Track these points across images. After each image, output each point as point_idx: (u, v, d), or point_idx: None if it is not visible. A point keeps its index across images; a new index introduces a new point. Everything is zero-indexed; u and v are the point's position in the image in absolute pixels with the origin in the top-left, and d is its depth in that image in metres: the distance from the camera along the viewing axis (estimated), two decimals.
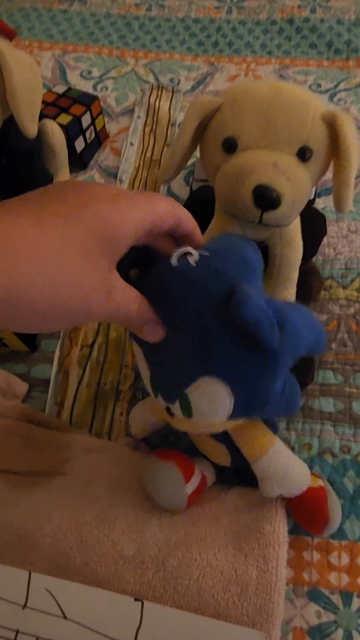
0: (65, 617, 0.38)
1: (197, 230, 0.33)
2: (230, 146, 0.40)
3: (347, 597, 0.41)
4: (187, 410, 0.34)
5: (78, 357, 0.55)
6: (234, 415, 0.33)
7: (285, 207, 0.38)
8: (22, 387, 0.54)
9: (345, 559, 0.43)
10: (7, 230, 0.23)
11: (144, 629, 0.37)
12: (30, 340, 0.56)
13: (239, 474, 0.46)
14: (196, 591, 0.38)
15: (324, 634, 0.40)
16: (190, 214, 0.32)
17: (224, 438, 0.40)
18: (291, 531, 0.44)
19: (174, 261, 0.31)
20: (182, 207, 0.31)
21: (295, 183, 0.38)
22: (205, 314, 0.29)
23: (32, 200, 0.26)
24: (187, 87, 0.81)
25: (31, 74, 0.53)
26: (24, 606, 0.39)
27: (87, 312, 0.26)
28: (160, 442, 0.49)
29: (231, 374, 0.31)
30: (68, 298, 0.25)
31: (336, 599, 0.41)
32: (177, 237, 0.33)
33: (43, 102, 0.68)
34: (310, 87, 0.80)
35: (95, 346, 0.55)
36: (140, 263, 0.33)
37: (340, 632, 0.40)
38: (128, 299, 0.29)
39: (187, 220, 0.32)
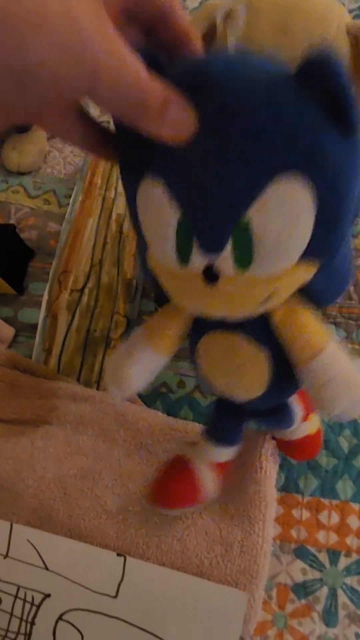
0: (47, 569, 0.37)
1: (195, 33, 0.23)
2: None
3: (334, 555, 0.41)
4: (245, 252, 0.24)
5: (67, 301, 0.52)
6: (310, 249, 0.24)
7: None
8: (8, 331, 0.51)
9: (335, 518, 0.42)
10: None
11: (126, 583, 0.37)
12: (17, 283, 0.53)
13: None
14: (179, 549, 0.38)
15: (309, 590, 0.40)
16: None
17: (267, 338, 0.29)
18: (282, 488, 0.43)
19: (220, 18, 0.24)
20: None
21: None
22: (273, 94, 0.21)
23: None
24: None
25: None
26: (6, 556, 0.38)
27: (74, 37, 0.17)
28: (150, 395, 0.47)
29: (314, 162, 0.22)
30: (46, 14, 0.16)
31: (323, 557, 0.41)
32: (169, 37, 0.23)
33: None
34: None
35: (86, 290, 0.52)
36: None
37: (325, 590, 0.40)
38: (134, 56, 0.19)
39: (183, 14, 0.22)
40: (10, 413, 0.45)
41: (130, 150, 0.24)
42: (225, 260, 0.24)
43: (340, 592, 0.40)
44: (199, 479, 0.36)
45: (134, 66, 0.19)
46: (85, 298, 0.52)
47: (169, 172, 0.24)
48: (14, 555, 0.38)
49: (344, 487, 0.43)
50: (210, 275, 0.25)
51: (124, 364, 0.32)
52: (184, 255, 0.25)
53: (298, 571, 0.40)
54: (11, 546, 0.38)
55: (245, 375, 0.30)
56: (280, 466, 0.43)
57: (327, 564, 0.40)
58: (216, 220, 0.24)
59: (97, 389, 0.48)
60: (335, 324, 0.49)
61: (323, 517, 0.42)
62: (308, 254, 0.24)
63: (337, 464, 0.43)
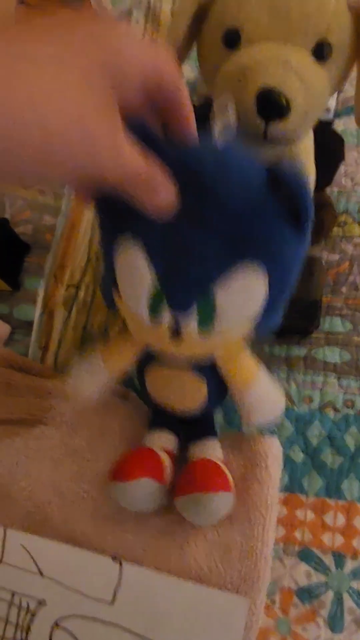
0: (41, 574, 0.36)
1: (193, 115, 0.26)
2: (232, 39, 0.32)
3: (340, 558, 0.39)
4: (208, 317, 0.29)
5: (63, 297, 0.51)
6: (260, 317, 0.30)
7: (296, 115, 0.31)
8: (4, 329, 0.50)
9: (341, 520, 0.40)
10: None
11: (122, 589, 0.36)
12: (13, 279, 0.51)
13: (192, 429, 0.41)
14: (178, 554, 0.36)
15: (313, 594, 0.38)
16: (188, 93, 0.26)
17: (208, 372, 0.36)
18: (285, 488, 0.41)
19: (218, 134, 0.27)
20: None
21: (309, 86, 0.31)
22: (252, 196, 0.26)
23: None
24: None
25: None
26: (0, 561, 0.37)
27: (89, 149, 0.20)
28: None
29: (271, 257, 0.28)
30: (64, 127, 0.19)
31: (328, 560, 0.39)
32: (167, 123, 0.26)
33: (30, 5, 0.59)
34: None
35: (82, 286, 0.51)
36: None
37: (330, 594, 0.38)
38: (135, 151, 0.22)
39: (187, 97, 0.25)
40: (5, 413, 0.44)
41: (116, 206, 0.27)
42: (190, 320, 0.29)
43: (346, 596, 0.38)
44: (159, 457, 0.37)
45: (135, 162, 0.23)
46: (81, 293, 0.51)
47: (149, 239, 0.28)
48: (8, 561, 0.37)
49: (350, 486, 0.41)
50: (175, 330, 0.30)
51: (82, 377, 0.38)
52: (154, 310, 0.30)
53: (302, 574, 0.39)
54: (5, 551, 0.37)
55: (186, 397, 0.37)
56: (284, 465, 0.41)
57: (332, 567, 0.39)
58: (187, 289, 0.29)
59: None
60: (341, 315, 0.47)
61: (328, 518, 0.40)
62: (260, 320, 0.31)
63: (342, 462, 0.42)
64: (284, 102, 0.30)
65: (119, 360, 0.37)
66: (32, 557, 0.37)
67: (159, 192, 0.24)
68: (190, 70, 0.62)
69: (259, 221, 0.26)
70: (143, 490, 0.35)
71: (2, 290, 0.52)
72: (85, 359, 0.38)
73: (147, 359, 0.36)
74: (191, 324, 0.30)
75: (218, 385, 0.36)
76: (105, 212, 0.30)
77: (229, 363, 0.35)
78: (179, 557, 0.36)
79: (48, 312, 0.50)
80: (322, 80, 0.32)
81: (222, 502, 0.34)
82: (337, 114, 0.58)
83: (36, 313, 0.50)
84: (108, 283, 0.33)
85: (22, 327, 0.50)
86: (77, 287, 0.51)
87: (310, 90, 0.31)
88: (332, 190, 0.53)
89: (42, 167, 0.20)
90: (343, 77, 0.34)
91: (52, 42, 0.19)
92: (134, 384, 0.46)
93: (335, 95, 0.56)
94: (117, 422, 0.42)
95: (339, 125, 0.57)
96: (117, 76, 0.21)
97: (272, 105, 0.30)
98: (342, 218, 0.52)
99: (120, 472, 0.35)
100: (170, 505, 0.38)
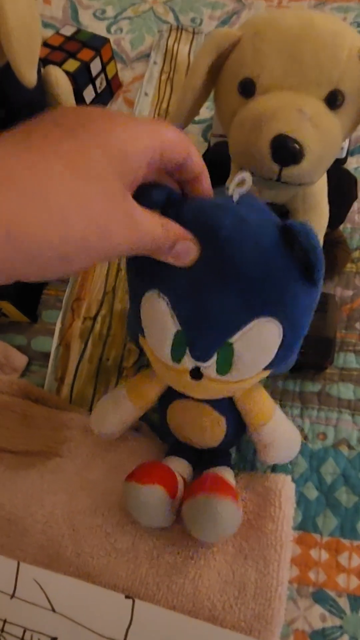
0: (53, 610, 0.36)
1: (207, 171, 0.29)
2: (248, 88, 0.34)
3: (355, 601, 0.38)
4: (226, 365, 0.31)
5: (80, 329, 0.51)
6: (271, 363, 0.32)
7: (309, 161, 0.32)
8: (21, 360, 0.51)
9: (356, 561, 0.40)
10: None
11: (134, 627, 0.35)
12: (31, 310, 0.53)
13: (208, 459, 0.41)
14: (191, 591, 0.36)
15: (328, 638, 0.38)
16: (200, 154, 0.28)
17: (226, 408, 0.37)
18: (299, 527, 0.41)
19: (233, 191, 0.28)
20: (191, 142, 0.27)
21: (322, 133, 0.32)
22: (266, 253, 0.28)
23: (21, 129, 0.22)
24: (210, 28, 0.73)
25: (28, 12, 0.47)
26: (12, 596, 0.37)
27: (107, 244, 0.23)
28: None
29: (288, 311, 0.30)
30: (82, 230, 0.22)
31: (343, 602, 0.39)
32: (181, 182, 0.29)
33: (49, 46, 0.62)
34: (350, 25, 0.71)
35: (99, 318, 0.52)
36: (163, 204, 0.29)
37: (345, 639, 0.37)
38: (151, 222, 0.25)
39: (199, 159, 0.27)
40: (21, 444, 0.45)
41: (144, 265, 0.30)
42: (210, 367, 0.32)
43: None
44: (175, 475, 0.38)
45: (150, 232, 0.25)
46: (98, 326, 0.51)
47: (173, 295, 0.31)
48: (20, 596, 0.37)
49: None
50: (196, 374, 0.32)
51: (106, 412, 0.40)
52: (176, 357, 0.32)
53: (317, 617, 0.38)
54: (18, 586, 0.37)
55: (205, 432, 0.38)
56: (297, 503, 0.41)
57: (347, 610, 0.38)
58: (207, 340, 0.31)
59: None
60: (356, 352, 0.47)
61: (343, 558, 0.40)
62: (269, 366, 0.33)
63: (357, 501, 0.41)
64: (298, 148, 0.31)
65: (144, 396, 0.39)
66: (44, 593, 0.37)
67: (178, 248, 0.28)
68: (207, 110, 0.64)
69: (273, 279, 0.29)
70: (154, 496, 0.35)
71: (20, 322, 0.53)
72: (111, 394, 0.41)
73: (170, 395, 0.38)
74: (210, 371, 0.32)
75: (237, 421, 0.38)
76: (134, 270, 0.33)
77: (246, 401, 0.37)
78: (193, 594, 0.36)
79: (65, 344, 0.51)
80: (335, 127, 0.33)
81: (227, 510, 0.34)
82: (350, 152, 0.59)
83: (53, 345, 0.51)
84: (134, 326, 0.35)
85: (39, 358, 0.51)
86: (94, 320, 0.52)
87: (323, 136, 0.32)
88: (345, 227, 0.54)
89: (65, 267, 0.23)
90: (355, 123, 0.35)
91: (65, 155, 0.21)
92: (147, 416, 0.46)
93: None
94: (130, 456, 0.43)
95: (352, 163, 0.59)
96: (126, 171, 0.23)
97: (286, 151, 0.31)
98: (356, 254, 0.53)
99: (137, 475, 0.36)
100: (183, 541, 0.38)
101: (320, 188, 0.41)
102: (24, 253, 0.21)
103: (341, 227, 0.53)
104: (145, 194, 0.26)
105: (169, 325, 0.31)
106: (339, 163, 0.58)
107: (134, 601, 0.36)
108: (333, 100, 0.33)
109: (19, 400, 0.47)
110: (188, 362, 0.32)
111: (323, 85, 0.32)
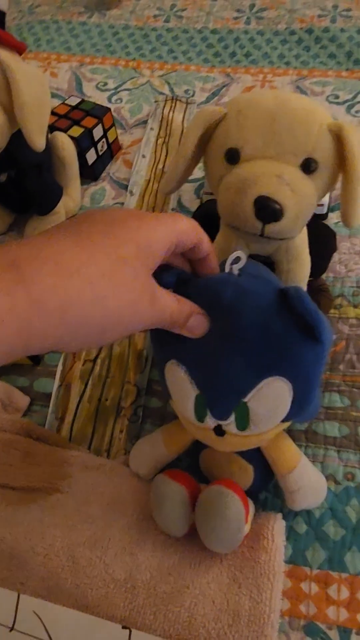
0: None
1: (214, 252, 0.34)
2: (233, 157, 0.39)
3: (345, 633, 0.40)
4: (244, 422, 0.34)
5: (80, 371, 0.54)
6: (288, 415, 0.35)
7: (288, 219, 0.37)
8: (23, 400, 0.53)
9: (345, 593, 0.41)
10: (56, 253, 0.25)
11: None
12: (34, 354, 0.55)
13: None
14: (187, 619, 0.37)
15: None
16: (209, 237, 0.33)
17: (253, 456, 0.40)
18: (289, 560, 0.43)
19: (229, 268, 0.33)
20: (202, 229, 0.32)
21: (299, 195, 0.37)
22: (265, 317, 0.32)
23: (68, 226, 0.28)
24: (202, 99, 0.80)
25: (40, 87, 0.53)
26: (12, 628, 0.38)
27: (136, 317, 0.28)
28: None
29: (293, 369, 0.33)
30: (117, 306, 0.27)
31: (334, 634, 0.40)
32: (192, 260, 0.35)
33: (56, 114, 0.69)
34: (327, 98, 0.78)
35: (98, 361, 0.55)
36: (175, 284, 0.34)
37: None
38: (168, 300, 0.31)
39: (208, 242, 0.33)
40: (23, 481, 0.47)
41: (164, 339, 0.35)
42: (230, 424, 0.35)
43: None
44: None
45: (168, 309, 0.30)
46: (97, 368, 0.54)
47: (191, 363, 0.35)
48: (20, 628, 0.38)
49: (353, 559, 0.42)
50: (219, 431, 0.36)
51: (143, 455, 0.45)
52: (199, 417, 0.36)
53: None
54: (17, 618, 0.38)
55: (234, 479, 0.40)
56: (287, 537, 0.43)
57: None
58: (224, 401, 0.34)
59: (107, 456, 0.49)
60: (339, 392, 0.51)
61: (332, 591, 0.41)
62: (287, 418, 0.35)
63: (344, 534, 0.43)
64: (278, 208, 0.36)
65: (177, 443, 0.43)
66: (43, 624, 0.38)
67: (191, 322, 0.32)
68: (199, 170, 0.70)
69: (274, 342, 0.32)
70: (179, 494, 0.39)
71: (24, 364, 0.56)
72: (148, 439, 0.45)
73: (203, 445, 0.41)
74: (231, 427, 0.35)
75: (265, 469, 0.41)
76: (156, 342, 0.37)
77: (271, 450, 0.40)
78: (188, 623, 0.37)
79: (65, 385, 0.54)
80: (310, 190, 0.38)
81: (235, 505, 0.37)
82: (331, 209, 0.64)
83: (54, 386, 0.54)
84: (165, 391, 0.39)
85: (40, 399, 0.54)
86: (94, 362, 0.55)
87: (300, 197, 0.37)
88: (327, 276, 0.58)
89: (101, 339, 0.28)
90: (328, 186, 0.40)
91: (105, 249, 0.27)
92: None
93: (329, 192, 0.63)
94: (130, 492, 0.45)
95: (333, 219, 0.64)
96: (150, 258, 0.29)
97: (268, 211, 0.36)
98: (338, 301, 0.57)
99: (169, 473, 0.40)
100: (180, 570, 0.39)
101: (302, 241, 0.46)
102: (72, 328, 0.25)
103: (324, 276, 0.57)
104: (157, 277, 0.30)
105: (190, 390, 0.35)
106: (320, 218, 0.63)
107: (130, 631, 0.37)
108: (308, 167, 0.38)
109: (21, 439, 0.50)
110: (210, 421, 0.35)
111: (298, 154, 0.37)
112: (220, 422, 0.35)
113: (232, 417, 0.35)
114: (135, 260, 0.28)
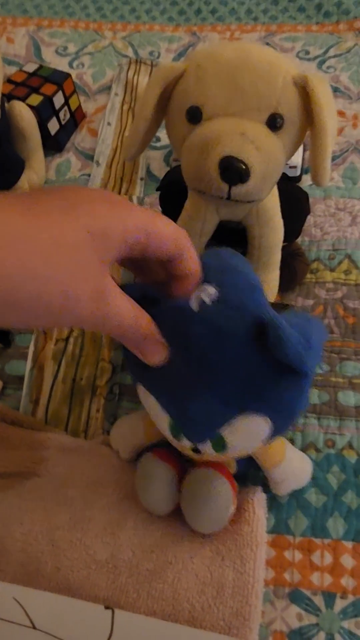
0: (34, 627, 0.37)
1: (199, 271, 0.29)
2: (194, 115, 0.37)
3: (329, 598, 0.40)
4: (221, 447, 0.33)
5: (53, 351, 0.53)
6: (268, 440, 0.33)
7: (255, 180, 0.35)
8: None
9: (328, 559, 0.41)
10: None
11: (115, 637, 0.36)
12: (4, 336, 0.54)
13: None
14: (170, 595, 0.37)
15: (305, 637, 0.39)
16: (195, 252, 0.29)
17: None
18: (272, 530, 0.42)
19: (194, 306, 0.29)
20: (189, 240, 0.28)
21: (265, 153, 0.35)
22: (239, 356, 0.28)
23: (26, 195, 0.25)
24: (167, 60, 0.77)
25: None
26: None
27: (68, 309, 0.24)
28: None
29: (272, 406, 0.30)
30: (47, 291, 0.23)
31: (318, 600, 0.40)
32: (173, 274, 0.29)
33: (12, 82, 0.65)
34: (298, 54, 0.75)
35: (71, 340, 0.53)
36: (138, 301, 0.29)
37: (322, 636, 0.39)
38: (122, 307, 0.26)
39: (192, 261, 0.28)
40: None
41: (133, 357, 0.30)
42: (207, 447, 0.33)
43: (337, 637, 0.38)
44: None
45: (118, 317, 0.26)
46: (70, 347, 0.53)
47: (160, 396, 0.33)
48: (1, 615, 0.37)
49: (335, 525, 0.42)
50: (196, 450, 0.35)
51: (125, 440, 0.44)
52: (175, 436, 0.34)
53: (294, 617, 0.39)
54: None
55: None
56: (270, 507, 0.42)
57: (322, 607, 0.39)
58: (197, 434, 0.33)
59: (85, 437, 0.48)
60: None
61: (316, 557, 0.41)
62: (270, 440, 0.33)
63: (326, 501, 0.43)
64: (244, 167, 0.34)
65: (159, 433, 0.40)
66: (24, 610, 0.37)
67: (147, 345, 0.29)
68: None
69: (249, 379, 0.29)
70: (166, 472, 0.38)
71: None
72: (128, 423, 0.44)
73: None
74: (208, 449, 0.34)
75: (248, 459, 0.40)
76: (127, 361, 0.34)
77: (256, 450, 0.38)
78: (172, 598, 0.36)
79: (38, 366, 0.52)
80: (277, 148, 0.36)
81: (224, 489, 0.37)
82: (305, 171, 0.62)
83: (27, 368, 0.52)
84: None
85: (13, 382, 0.52)
86: (66, 341, 0.53)
87: (266, 156, 0.35)
88: (303, 240, 0.57)
89: (31, 322, 0.25)
90: (296, 144, 0.38)
91: (49, 227, 0.23)
92: None
93: (302, 153, 0.61)
94: (110, 473, 0.44)
95: (307, 181, 0.62)
96: (102, 249, 0.25)
97: (233, 171, 0.34)
98: (314, 265, 0.55)
99: (156, 452, 0.40)
100: (162, 547, 0.39)
101: (273, 204, 0.44)
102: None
103: (299, 240, 0.56)
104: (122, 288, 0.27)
105: (163, 414, 0.34)
106: (294, 181, 0.61)
107: (113, 611, 0.36)
108: (273, 123, 0.35)
109: None
110: (186, 442, 0.34)
111: (263, 110, 0.35)
112: (196, 445, 0.34)
113: (208, 443, 0.33)
114: (84, 245, 0.24)
